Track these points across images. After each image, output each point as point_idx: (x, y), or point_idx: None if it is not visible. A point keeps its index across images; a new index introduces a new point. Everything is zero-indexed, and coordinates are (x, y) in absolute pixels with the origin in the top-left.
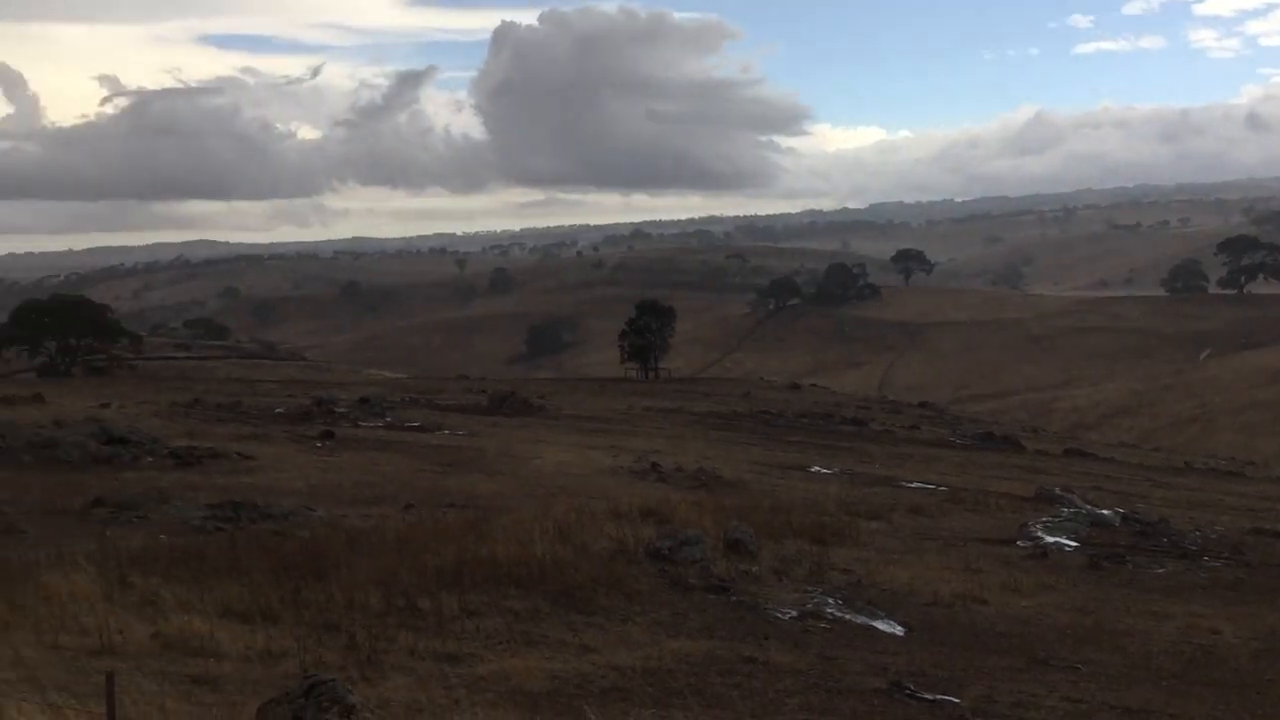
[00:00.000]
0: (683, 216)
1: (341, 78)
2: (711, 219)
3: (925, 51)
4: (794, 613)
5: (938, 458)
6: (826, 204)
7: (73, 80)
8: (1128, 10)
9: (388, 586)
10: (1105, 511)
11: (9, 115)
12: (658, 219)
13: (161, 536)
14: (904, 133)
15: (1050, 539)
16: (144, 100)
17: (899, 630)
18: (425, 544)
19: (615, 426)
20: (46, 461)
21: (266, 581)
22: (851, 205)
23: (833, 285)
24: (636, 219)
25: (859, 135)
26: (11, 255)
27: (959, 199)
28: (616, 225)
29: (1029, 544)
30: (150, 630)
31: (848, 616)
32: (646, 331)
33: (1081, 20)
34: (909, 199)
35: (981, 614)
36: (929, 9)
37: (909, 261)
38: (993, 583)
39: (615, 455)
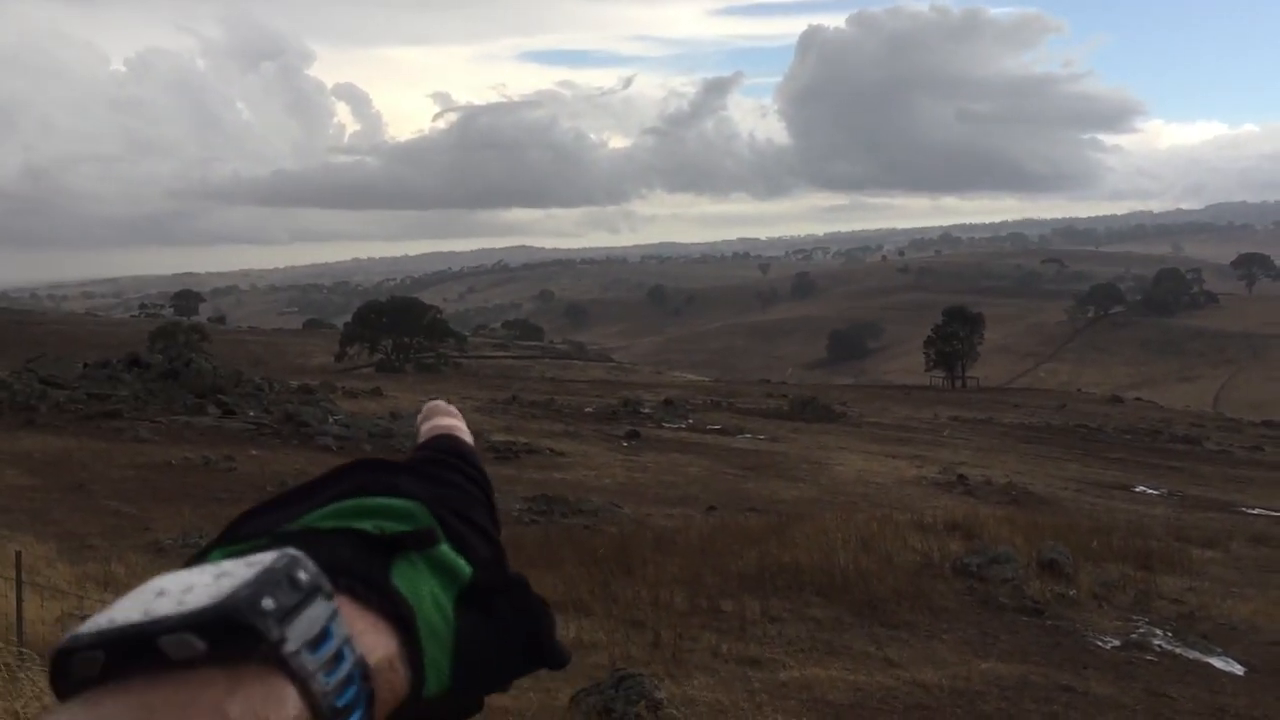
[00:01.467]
0: (995, 219)
1: (652, 87)
2: (1027, 221)
3: (1273, 38)
4: (1116, 642)
5: None
6: (1156, 205)
7: (411, 98)
8: None
9: (692, 587)
10: None
11: (356, 132)
12: (968, 222)
13: None
14: (1248, 126)
15: None
16: (470, 115)
17: (1238, 669)
18: (728, 547)
19: (919, 436)
20: (384, 450)
21: (579, 575)
22: (1185, 206)
23: (1162, 292)
24: (945, 222)
25: (1196, 130)
26: (356, 260)
27: None
28: (924, 229)
29: None
30: None
31: (1178, 650)
32: (954, 338)
33: None
34: (1253, 199)
35: None
36: None
37: (1253, 266)
38: None
39: (919, 465)
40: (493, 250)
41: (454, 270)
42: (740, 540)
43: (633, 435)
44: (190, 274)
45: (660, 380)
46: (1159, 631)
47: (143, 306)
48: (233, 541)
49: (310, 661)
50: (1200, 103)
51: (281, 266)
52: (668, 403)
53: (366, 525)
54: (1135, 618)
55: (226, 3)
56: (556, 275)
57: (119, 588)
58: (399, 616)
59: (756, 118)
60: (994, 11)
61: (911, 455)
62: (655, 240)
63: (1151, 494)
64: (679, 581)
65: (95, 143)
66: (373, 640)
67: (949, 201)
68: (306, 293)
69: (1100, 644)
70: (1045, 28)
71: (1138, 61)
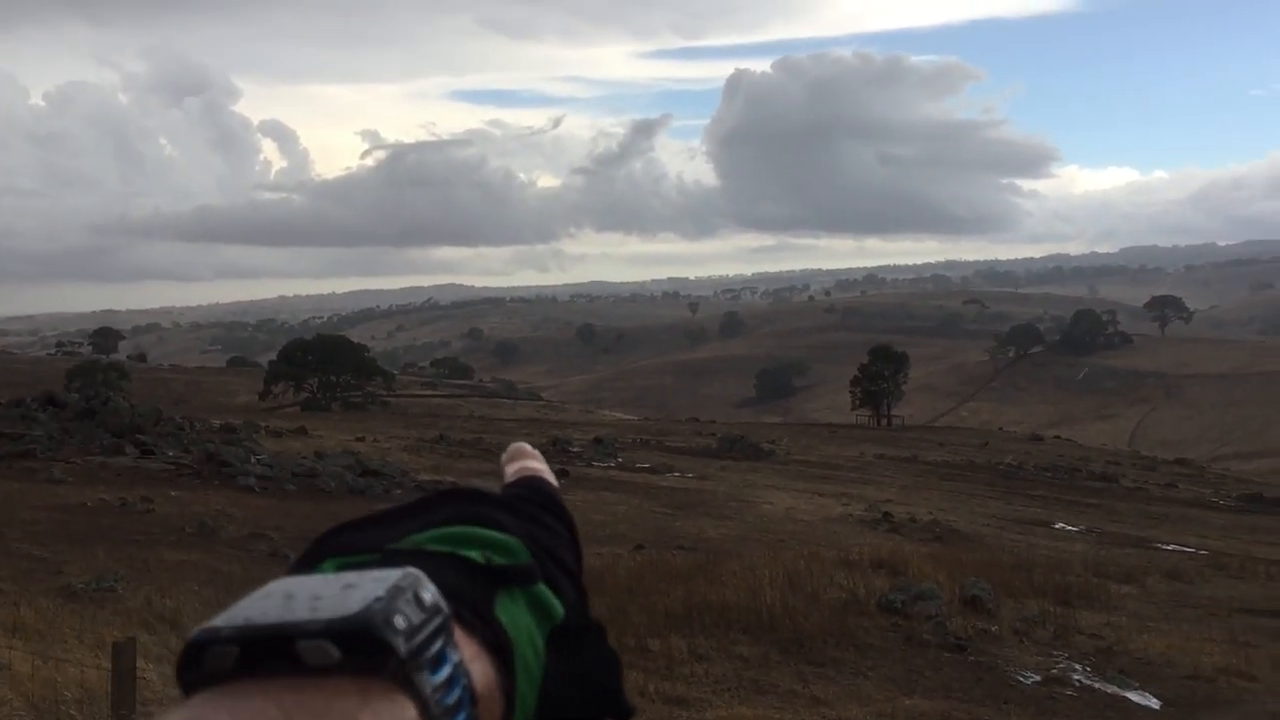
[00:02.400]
0: (918, 261)
1: (581, 128)
2: (949, 264)
3: (1184, 88)
4: (1037, 677)
5: (1197, 519)
6: (1073, 248)
7: (339, 135)
8: None
9: (619, 625)
10: None
11: (282, 169)
12: (892, 263)
13: None
14: (1159, 173)
15: None
16: (398, 153)
17: (1154, 703)
18: (656, 585)
19: (846, 474)
20: (308, 490)
21: None
22: (1100, 249)
23: (1080, 332)
24: (870, 264)
25: (1109, 176)
26: (281, 298)
27: (1221, 242)
28: (849, 270)
29: None
30: None
31: (1097, 685)
32: (879, 378)
33: None
34: (1164, 243)
35: (1249, 691)
36: (1188, 44)
37: (1165, 308)
38: (1262, 657)
39: (845, 503)
40: (421, 288)
41: (382, 308)
42: (668, 578)
43: (561, 474)
44: (111, 311)
45: (590, 419)
46: (1078, 666)
47: (60, 344)
48: (340, 553)
49: (430, 682)
50: (1113, 150)
51: (205, 304)
52: (597, 441)
53: (474, 554)
54: (1055, 653)
55: (150, 37)
56: (486, 313)
57: (28, 633)
58: (500, 648)
59: (684, 159)
60: (916, 59)
61: (838, 493)
62: (585, 279)
63: (1070, 531)
64: (606, 621)
65: (12, 177)
66: (478, 668)
67: (873, 243)
68: (231, 330)
69: (1021, 679)
70: (965, 75)
71: (1054, 110)
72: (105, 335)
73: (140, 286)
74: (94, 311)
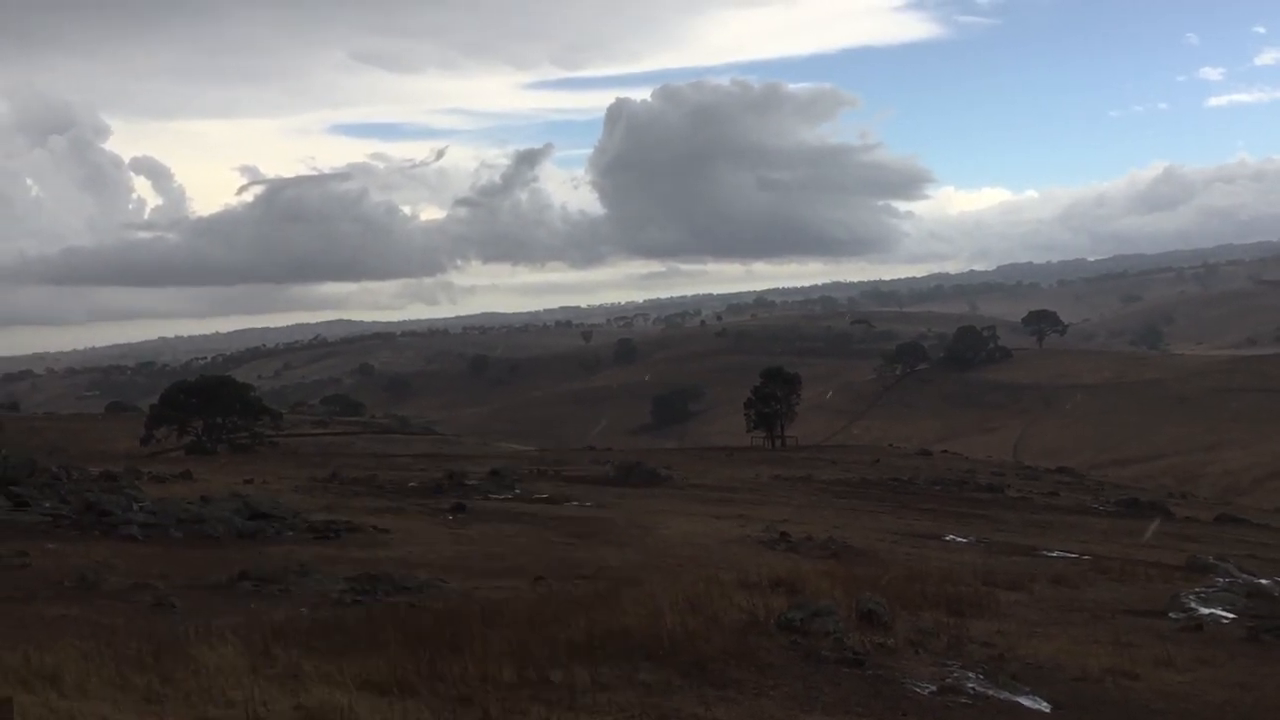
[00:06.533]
0: (805, 284)
1: (465, 159)
2: (835, 285)
3: (1048, 111)
4: (933, 687)
5: (1079, 525)
6: (952, 267)
7: (216, 171)
8: (1260, 61)
9: (520, 659)
10: (1264, 581)
11: (157, 206)
12: (780, 286)
13: (302, 609)
14: (1029, 193)
15: (1205, 610)
16: (276, 188)
17: (1045, 707)
18: (556, 616)
19: (742, 495)
20: (194, 536)
21: (403, 654)
22: (978, 268)
23: (962, 348)
24: (759, 287)
25: (983, 197)
26: (162, 339)
27: (1091, 258)
28: (739, 294)
29: (1182, 616)
30: (293, 703)
31: (990, 692)
32: (772, 399)
33: (1212, 73)
34: (1038, 259)
35: (1133, 690)
36: (1050, 68)
37: (1041, 323)
38: (1145, 657)
39: (743, 524)
40: (308, 325)
41: (268, 346)
42: (569, 609)
43: (459, 508)
44: None
45: (486, 451)
46: (971, 675)
47: None
48: None
49: None
50: (985, 171)
51: (80, 348)
52: (494, 473)
53: None
54: (949, 662)
55: (10, 74)
56: (376, 349)
57: None
58: None
59: (569, 189)
60: (792, 86)
61: (736, 515)
62: (476, 310)
63: (961, 541)
64: (507, 654)
65: None
66: None
67: (760, 267)
68: (109, 375)
69: (918, 690)
70: (840, 101)
71: (927, 134)
72: None
73: (9, 332)
74: None
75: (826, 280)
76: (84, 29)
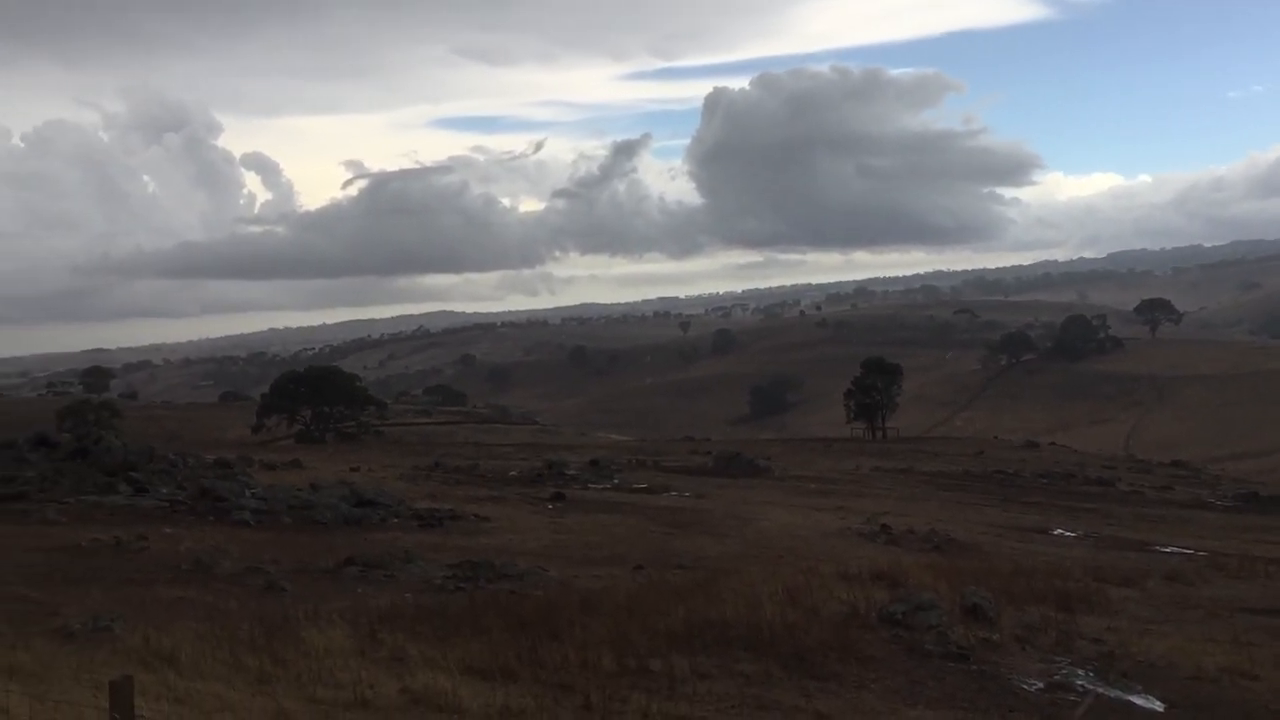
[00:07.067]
0: (907, 273)
1: (563, 151)
2: (938, 274)
3: (1163, 93)
4: (1040, 684)
5: (1195, 520)
6: (1060, 254)
7: (322, 167)
8: None
9: (619, 647)
10: None
11: (266, 201)
12: (881, 276)
13: (407, 595)
14: (1142, 177)
15: None
16: (380, 182)
17: (1158, 706)
18: (655, 605)
19: (842, 487)
20: (303, 522)
21: (504, 640)
22: (1088, 255)
23: (1071, 338)
24: (859, 276)
25: (1093, 182)
26: (272, 330)
27: (1207, 244)
28: (839, 283)
29: None
30: (398, 686)
31: (1100, 690)
32: (872, 390)
33: None
34: (1151, 246)
35: (1252, 690)
36: (1165, 47)
37: (1155, 311)
38: (1265, 657)
39: (843, 516)
40: (412, 316)
41: (373, 337)
42: (667, 598)
43: (558, 497)
44: (100, 350)
45: (584, 441)
46: (1081, 672)
47: (50, 385)
48: None
49: None
50: (1095, 155)
51: (195, 339)
52: (593, 463)
53: None
54: (1058, 659)
55: (125, 76)
56: (477, 339)
57: (26, 676)
58: None
59: (667, 179)
60: (894, 72)
61: (835, 507)
62: (575, 301)
63: (1069, 536)
64: (607, 642)
65: None
66: None
67: (860, 256)
68: (222, 365)
69: (1025, 686)
70: (945, 86)
71: (1034, 118)
72: (96, 374)
73: (128, 324)
74: (83, 351)
75: (929, 269)
76: (197, 30)
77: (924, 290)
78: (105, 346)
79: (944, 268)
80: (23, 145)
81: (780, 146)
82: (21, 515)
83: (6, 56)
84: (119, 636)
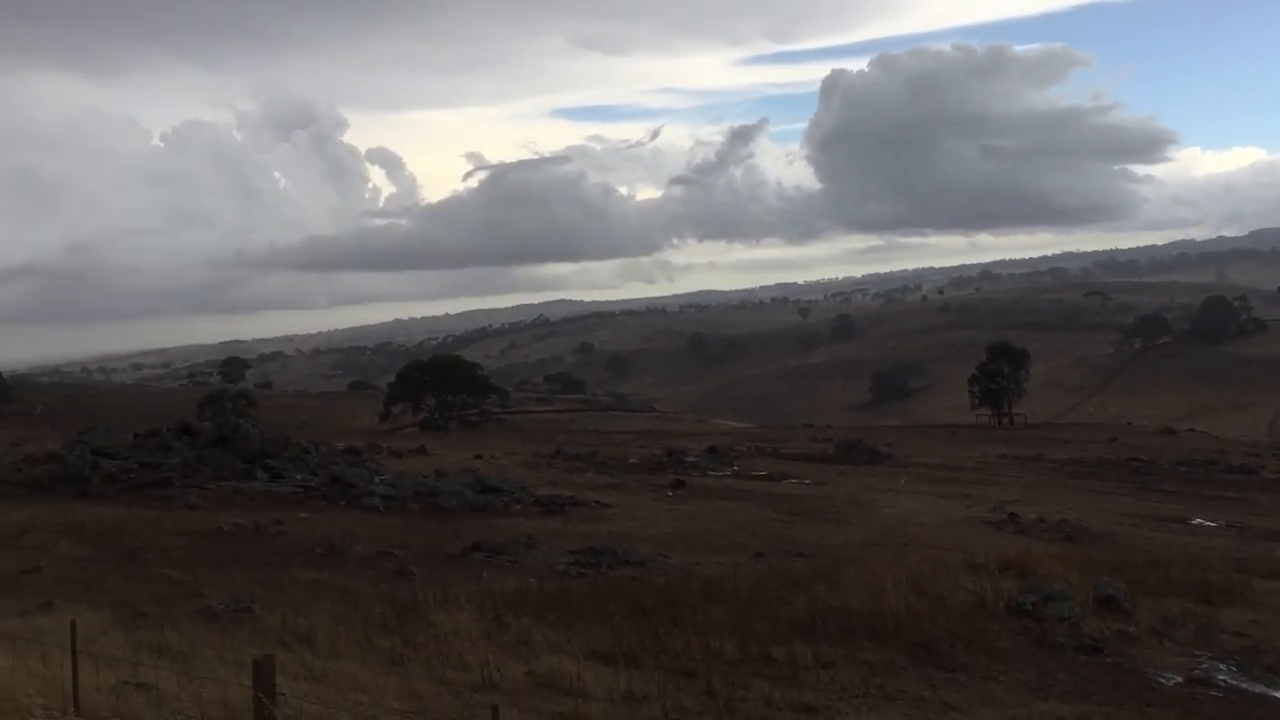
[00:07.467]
0: (1034, 254)
1: (680, 138)
2: (1066, 255)
3: None
4: (1179, 678)
5: None
6: (1197, 233)
7: (443, 159)
8: None
9: (741, 634)
10: None
11: (390, 195)
12: (1006, 258)
13: (531, 580)
14: None
15: None
16: (499, 173)
17: None
18: (776, 593)
19: (967, 475)
20: (430, 508)
21: (627, 626)
22: (1228, 233)
23: (1210, 320)
24: (983, 259)
25: (1233, 157)
26: (397, 321)
27: None
28: (962, 267)
29: None
30: (524, 669)
31: (1244, 685)
32: (998, 375)
33: None
34: None
35: None
36: None
37: None
38: None
39: (968, 505)
40: (531, 305)
41: (494, 327)
42: (789, 585)
43: (678, 484)
44: (236, 341)
45: (703, 428)
46: (1222, 666)
47: (191, 375)
48: None
49: None
50: (1235, 129)
51: (324, 330)
52: (712, 450)
53: None
54: (1197, 653)
55: (258, 75)
56: (596, 327)
57: (173, 655)
58: None
59: (784, 164)
60: (1019, 48)
61: (960, 495)
62: (693, 288)
63: (1209, 526)
64: (728, 629)
65: (136, 217)
66: None
67: (984, 238)
68: (350, 355)
69: (1162, 680)
70: (1072, 61)
71: (1168, 92)
72: (233, 365)
73: (261, 315)
74: (221, 342)
75: (1057, 250)
76: (324, 28)
77: (1052, 273)
78: (241, 338)
79: (1072, 249)
80: (162, 145)
81: (901, 128)
82: (167, 500)
83: (148, 61)
84: (258, 617)
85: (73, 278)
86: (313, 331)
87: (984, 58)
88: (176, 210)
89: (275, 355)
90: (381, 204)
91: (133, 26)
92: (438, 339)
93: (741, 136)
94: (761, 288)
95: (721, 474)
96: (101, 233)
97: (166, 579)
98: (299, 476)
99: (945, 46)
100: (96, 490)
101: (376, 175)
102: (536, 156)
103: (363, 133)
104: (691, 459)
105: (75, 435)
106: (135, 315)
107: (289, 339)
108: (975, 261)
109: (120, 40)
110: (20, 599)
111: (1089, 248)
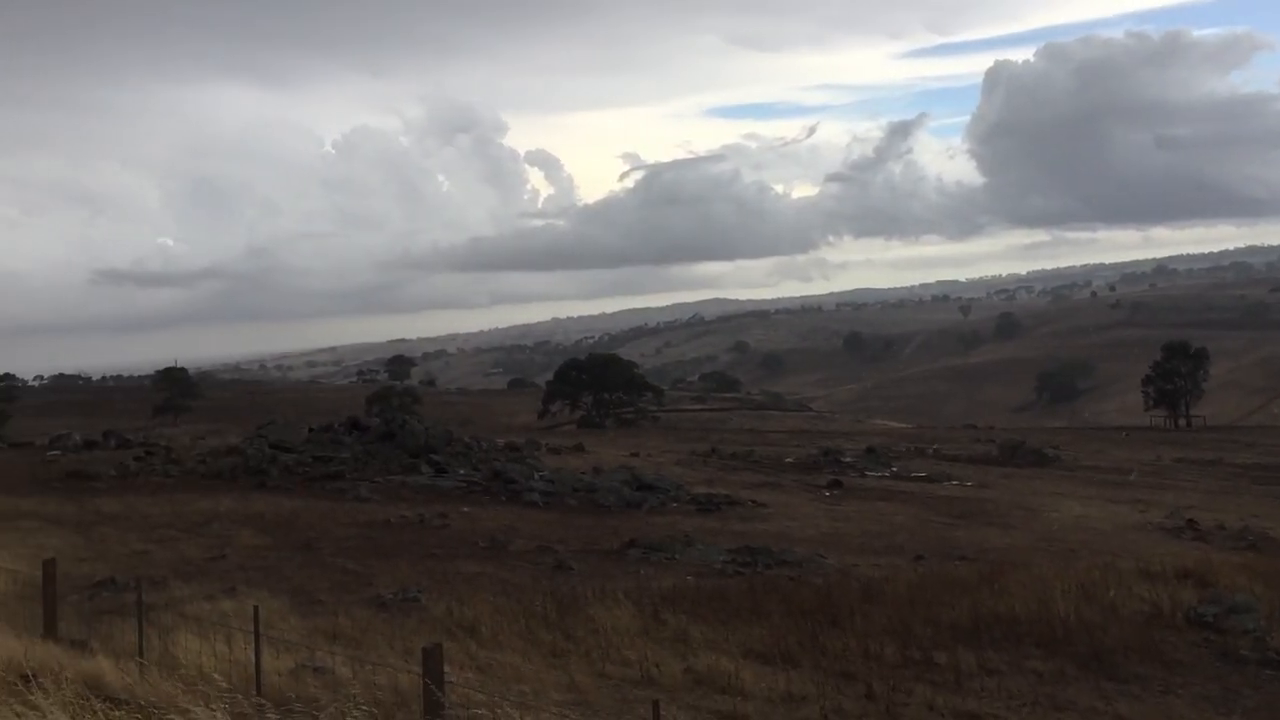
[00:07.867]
0: (1214, 249)
1: (836, 134)
2: (1250, 249)
3: None
4: None
5: None
6: None
7: (600, 160)
8: None
9: (902, 638)
10: None
11: (548, 196)
12: (1183, 253)
13: (688, 577)
14: None
15: None
16: (654, 173)
17: None
18: (938, 597)
19: (1141, 479)
20: (587, 505)
21: (785, 626)
22: None
23: None
24: (1158, 254)
25: None
26: (555, 320)
27: None
28: (1135, 263)
29: None
30: (682, 666)
31: None
32: (1175, 376)
33: None
34: None
35: None
36: None
37: None
38: None
39: (1142, 510)
40: (686, 304)
41: (650, 325)
42: (951, 590)
43: (835, 485)
44: (402, 340)
45: (860, 428)
46: None
47: (360, 373)
48: None
49: None
50: None
51: (486, 329)
52: (869, 451)
53: None
54: None
55: (423, 81)
56: (751, 326)
57: (346, 640)
58: None
59: (945, 159)
60: (1197, 33)
61: (1133, 500)
62: (849, 287)
63: None
64: (888, 632)
65: (310, 221)
66: None
67: (1159, 233)
68: (510, 353)
69: None
70: (1256, 45)
71: None
72: (399, 363)
73: (425, 315)
74: (388, 341)
75: (1240, 244)
76: (484, 34)
77: (1234, 268)
78: (406, 336)
79: (1257, 242)
80: (333, 151)
81: (1069, 119)
82: (338, 493)
83: (320, 70)
84: (425, 607)
85: (252, 279)
86: (474, 330)
87: (1160, 44)
88: (347, 214)
89: (439, 353)
90: (540, 205)
91: (306, 38)
92: (594, 338)
93: (900, 131)
94: (921, 285)
95: (880, 475)
96: (278, 236)
97: (339, 568)
98: (462, 471)
99: (1117, 34)
100: (274, 482)
101: (535, 177)
102: (692, 156)
103: (522, 135)
104: (848, 459)
105: (254, 430)
106: (309, 315)
107: (452, 337)
108: (1149, 257)
109: (294, 51)
110: (206, 584)
111: (1276, 241)
